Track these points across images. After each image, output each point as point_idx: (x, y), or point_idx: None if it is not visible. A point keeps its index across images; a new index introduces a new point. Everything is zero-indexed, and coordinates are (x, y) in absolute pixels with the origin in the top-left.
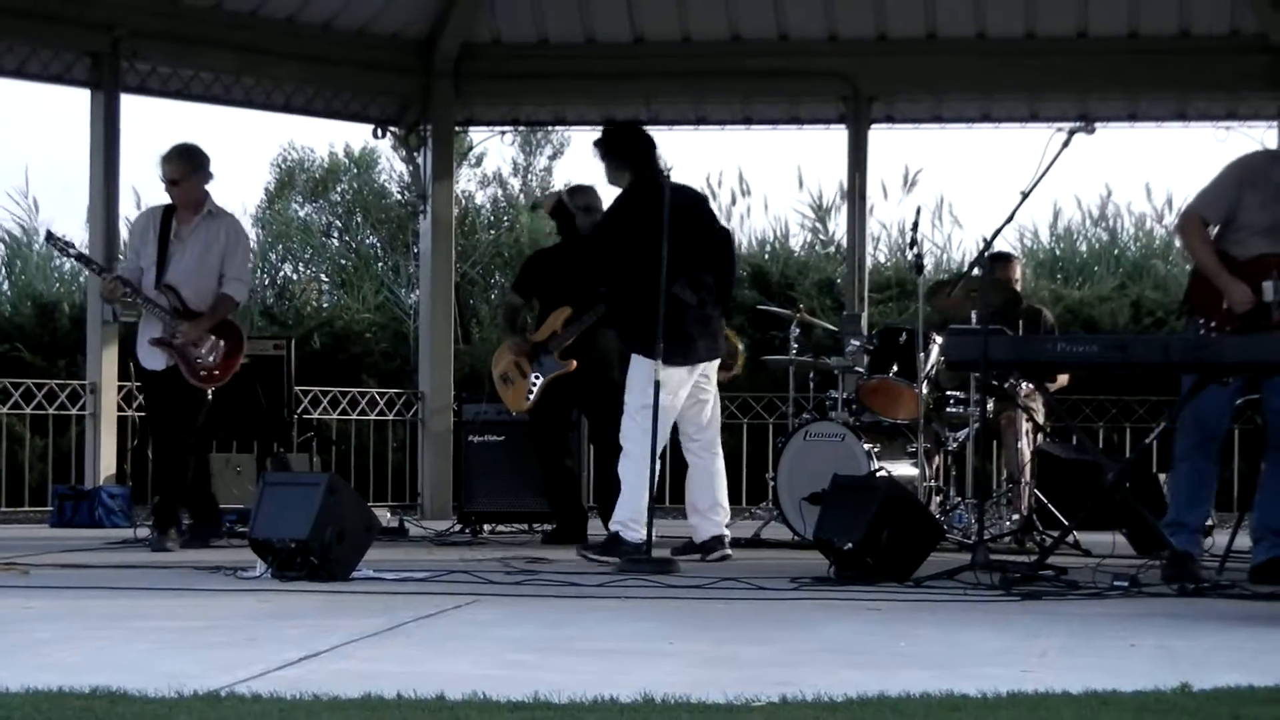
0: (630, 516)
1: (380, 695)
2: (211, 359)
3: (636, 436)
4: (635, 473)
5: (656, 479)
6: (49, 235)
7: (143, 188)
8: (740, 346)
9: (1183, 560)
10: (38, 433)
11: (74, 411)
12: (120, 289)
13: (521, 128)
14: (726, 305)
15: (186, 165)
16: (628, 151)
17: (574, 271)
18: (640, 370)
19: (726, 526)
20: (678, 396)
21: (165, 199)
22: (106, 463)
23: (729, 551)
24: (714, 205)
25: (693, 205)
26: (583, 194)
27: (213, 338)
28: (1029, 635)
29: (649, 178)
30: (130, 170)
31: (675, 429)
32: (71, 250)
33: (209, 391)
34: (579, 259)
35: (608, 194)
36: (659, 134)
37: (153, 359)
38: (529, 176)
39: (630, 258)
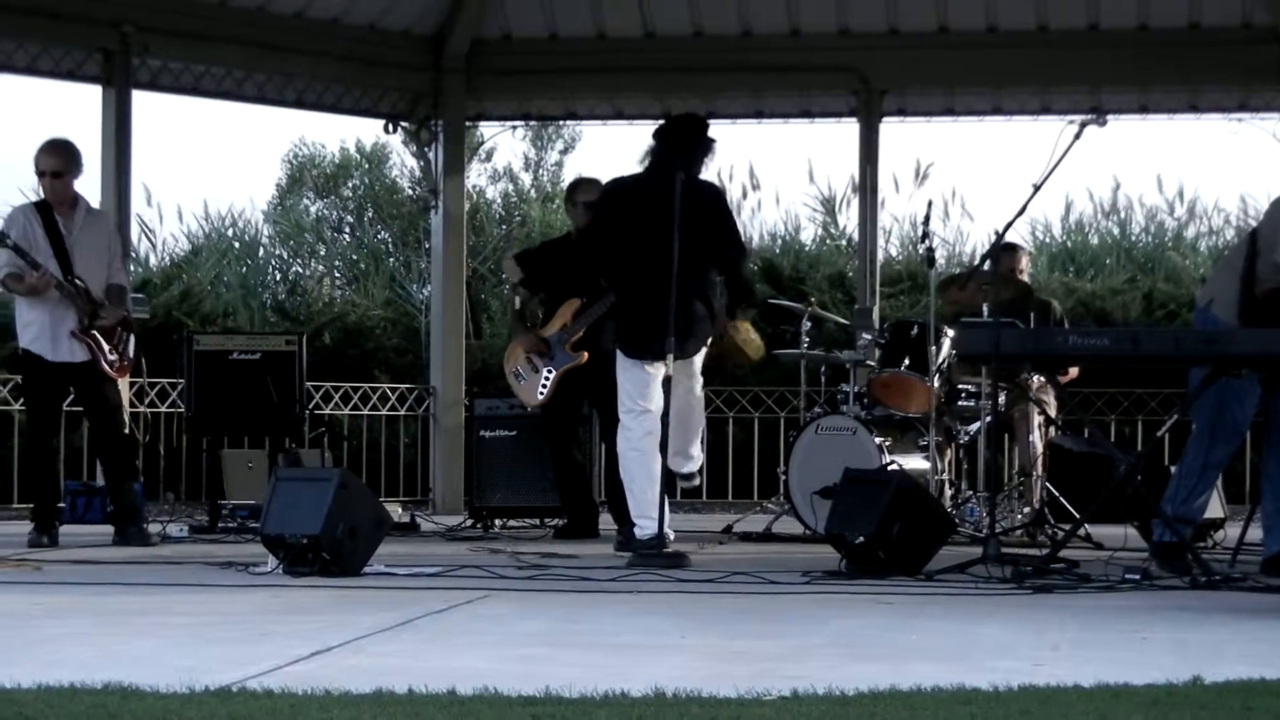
0: (637, 514)
1: (391, 690)
2: (121, 348)
3: (620, 442)
4: (627, 474)
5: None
6: None
7: (154, 184)
8: (753, 337)
9: (1185, 550)
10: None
11: None
12: (54, 284)
13: (532, 123)
14: (740, 296)
15: (69, 159)
16: (653, 143)
17: (580, 264)
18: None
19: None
20: (639, 386)
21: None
22: None
23: (694, 478)
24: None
25: (686, 199)
26: (587, 188)
27: (118, 328)
28: (1040, 628)
29: (644, 173)
30: (141, 166)
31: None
32: (8, 241)
33: (119, 382)
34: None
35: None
36: None
37: (68, 351)
38: (540, 171)
39: (608, 253)
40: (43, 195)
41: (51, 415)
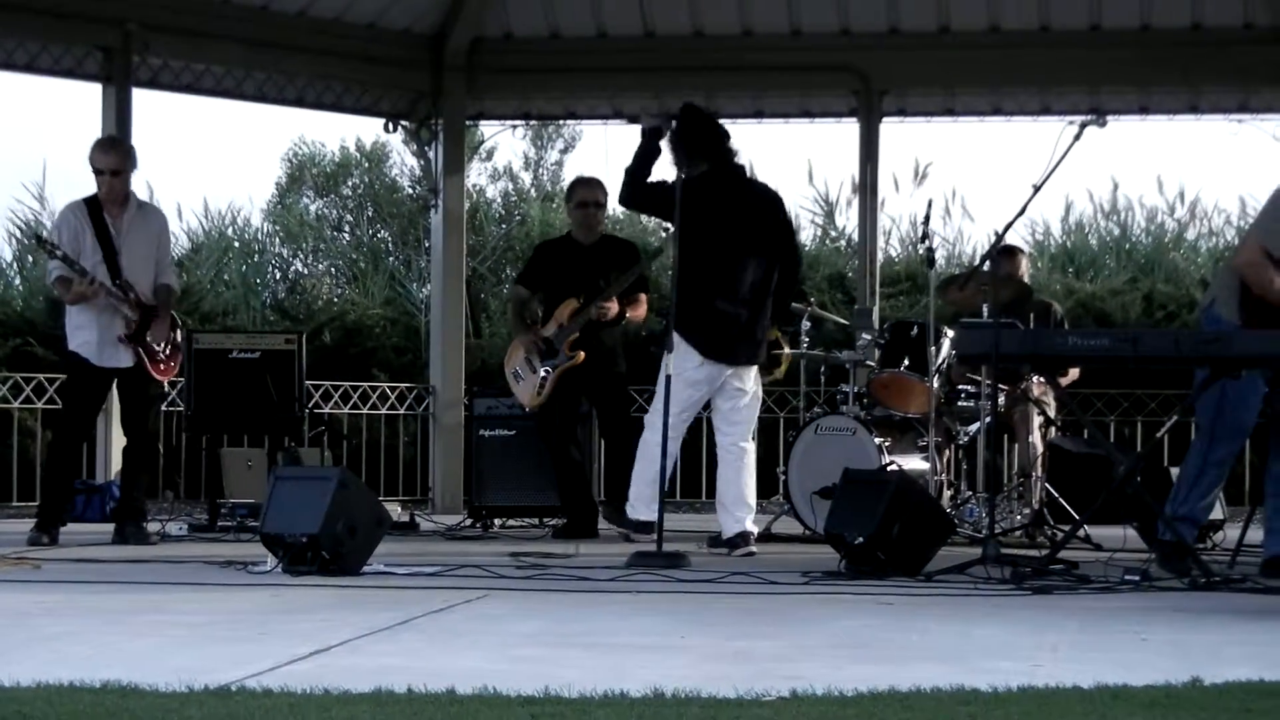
0: (635, 497)
1: (391, 690)
2: (169, 351)
3: (651, 430)
4: (644, 459)
5: (668, 472)
6: (38, 239)
7: (156, 182)
8: (786, 349)
9: (1186, 552)
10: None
11: None
12: (104, 292)
13: (532, 122)
14: (784, 311)
15: (126, 157)
16: (705, 140)
17: (579, 263)
18: (670, 359)
19: (752, 523)
20: (694, 388)
21: (104, 191)
22: (118, 457)
23: (754, 549)
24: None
25: (761, 205)
26: (585, 188)
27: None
28: (1040, 629)
29: (722, 169)
30: (142, 165)
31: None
32: (58, 253)
33: (164, 384)
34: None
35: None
36: None
37: (114, 357)
38: (540, 170)
39: (684, 243)
40: (96, 191)
41: (86, 418)
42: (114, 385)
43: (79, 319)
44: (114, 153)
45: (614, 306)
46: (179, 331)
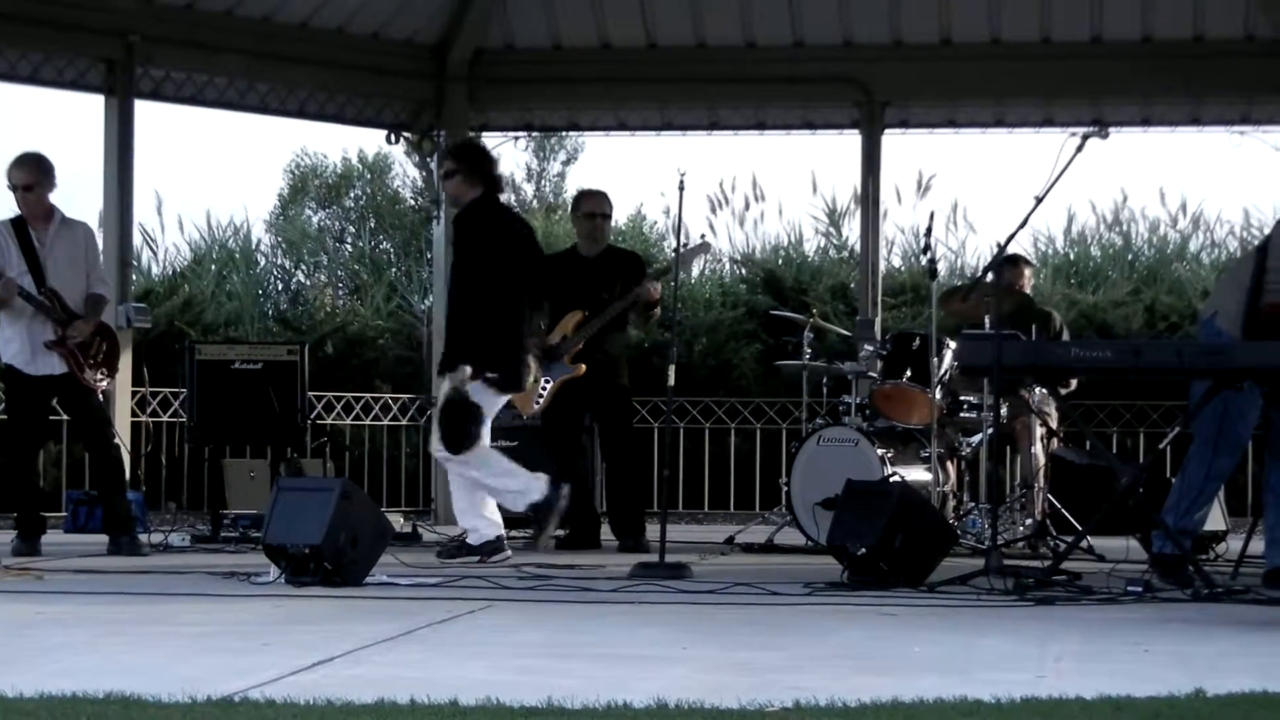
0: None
1: (394, 701)
2: (99, 358)
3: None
4: (477, 485)
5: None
6: None
7: (163, 192)
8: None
9: (1186, 563)
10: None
11: None
12: (17, 291)
13: (535, 133)
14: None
15: (38, 172)
16: (484, 167)
17: (584, 275)
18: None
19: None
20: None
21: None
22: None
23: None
24: (728, 210)
25: (531, 234)
26: (591, 199)
27: (96, 338)
28: (1043, 640)
29: (497, 199)
30: (145, 175)
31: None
32: None
33: (99, 393)
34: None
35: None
36: (673, 139)
37: (47, 364)
38: (542, 182)
39: (483, 277)
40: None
41: (32, 428)
42: (55, 400)
43: (8, 331)
44: (25, 168)
45: (657, 289)
46: (115, 345)
